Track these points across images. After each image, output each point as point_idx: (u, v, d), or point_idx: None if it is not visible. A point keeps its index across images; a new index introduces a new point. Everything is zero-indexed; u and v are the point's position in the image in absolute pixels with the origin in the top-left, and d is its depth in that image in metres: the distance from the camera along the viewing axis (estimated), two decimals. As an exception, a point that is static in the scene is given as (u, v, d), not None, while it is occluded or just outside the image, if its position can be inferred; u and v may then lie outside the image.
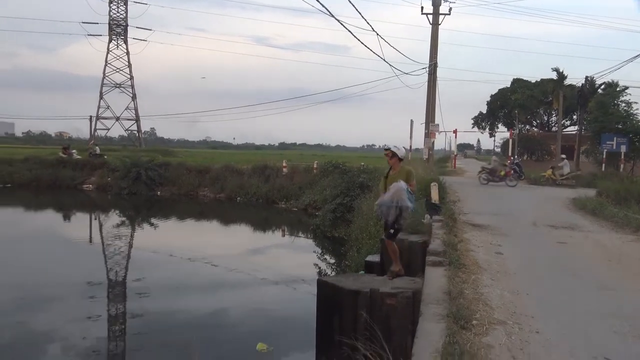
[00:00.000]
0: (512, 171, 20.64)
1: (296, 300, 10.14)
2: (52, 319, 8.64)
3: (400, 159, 6.67)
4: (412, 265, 7.44)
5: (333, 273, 11.64)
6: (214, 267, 12.76)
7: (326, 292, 6.31)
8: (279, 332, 8.26)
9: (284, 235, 19.21)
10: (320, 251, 15.20)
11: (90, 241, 16.77)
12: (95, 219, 22.29)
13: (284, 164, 28.00)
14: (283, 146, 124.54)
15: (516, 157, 32.41)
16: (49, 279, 11.12)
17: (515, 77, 53.02)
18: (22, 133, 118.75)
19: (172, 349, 7.41)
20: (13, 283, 10.63)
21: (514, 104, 47.77)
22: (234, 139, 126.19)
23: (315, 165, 26.88)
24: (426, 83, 25.09)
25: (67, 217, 22.30)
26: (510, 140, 35.86)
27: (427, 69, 24.62)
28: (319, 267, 12.63)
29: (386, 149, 6.69)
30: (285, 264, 13.86)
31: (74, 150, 34.26)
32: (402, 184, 6.29)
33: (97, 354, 7.30)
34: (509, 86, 52.68)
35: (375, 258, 7.96)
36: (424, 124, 25.87)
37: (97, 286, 10.81)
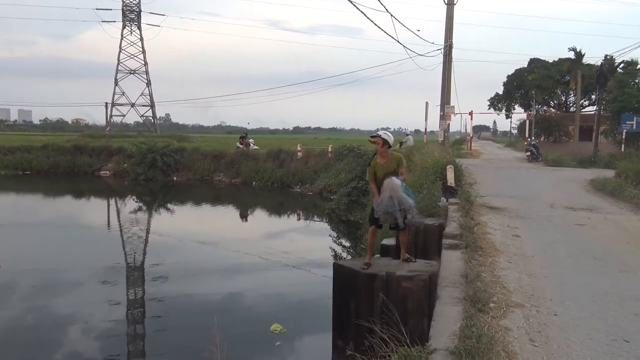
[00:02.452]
0: (530, 153, 20.44)
1: (312, 284, 10.20)
2: (73, 302, 8.80)
3: (390, 146, 6.31)
4: (428, 248, 7.43)
5: (349, 257, 11.67)
6: (230, 252, 12.89)
7: (342, 275, 6.32)
8: (295, 315, 8.33)
9: (299, 219, 19.28)
10: (335, 235, 15.23)
11: (109, 227, 17.00)
12: (113, 205, 22.58)
13: (299, 148, 28.00)
14: (297, 130, 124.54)
15: (533, 138, 32.02)
16: (69, 264, 11.32)
17: (532, 57, 52.18)
18: (40, 120, 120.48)
19: (191, 332, 7.50)
20: (35, 268, 10.84)
21: (531, 84, 46.96)
22: (248, 123, 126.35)
23: (329, 149, 26.85)
24: (441, 64, 24.78)
25: (85, 204, 22.61)
26: (527, 122, 35.41)
27: (442, 50, 24.28)
28: (335, 251, 12.66)
29: (373, 136, 6.31)
30: (301, 248, 13.92)
31: (251, 140, 31.14)
32: (396, 181, 6.01)
33: (117, 336, 7.42)
34: (525, 66, 51.83)
35: (390, 241, 7.95)
36: (439, 106, 25.62)
37: (116, 271, 10.97)
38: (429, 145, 21.42)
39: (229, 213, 20.47)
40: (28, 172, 29.76)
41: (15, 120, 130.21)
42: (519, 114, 55.52)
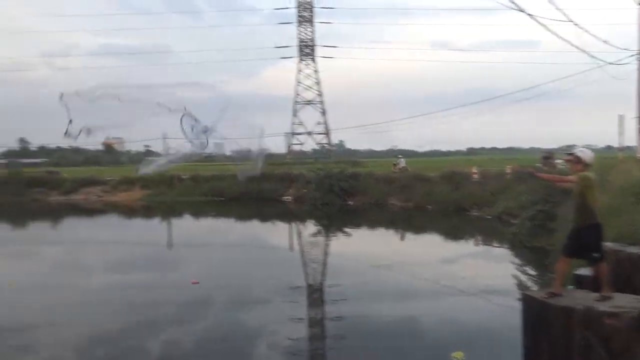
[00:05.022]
0: None
1: (492, 312, 9.55)
2: (260, 318, 9.44)
3: (585, 165, 5.65)
4: (634, 282, 6.46)
5: (536, 287, 10.72)
6: (405, 275, 12.76)
7: (533, 307, 5.77)
8: (474, 344, 7.84)
9: (476, 244, 18.37)
10: (518, 262, 14.17)
11: (290, 249, 18.07)
12: (294, 228, 24.02)
13: (474, 170, 26.91)
14: (471, 151, 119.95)
15: None
16: (256, 282, 12.23)
17: None
18: (230, 151, 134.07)
19: (370, 354, 7.52)
20: (227, 285, 12.00)
21: None
22: (419, 146, 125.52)
23: (508, 170, 25.31)
24: (637, 71, 21.93)
25: (270, 227, 24.45)
26: None
27: (638, 56, 21.51)
28: (518, 279, 11.75)
29: (569, 154, 5.75)
30: (479, 274, 13.19)
31: (558, 160, 30.58)
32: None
33: (298, 354, 7.73)
34: None
35: (586, 272, 7.09)
36: (636, 118, 22.65)
37: (297, 290, 11.55)
38: (627, 161, 18.94)
39: (402, 237, 20.36)
40: (222, 198, 33.22)
41: (211, 153, 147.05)
42: None
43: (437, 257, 15.33)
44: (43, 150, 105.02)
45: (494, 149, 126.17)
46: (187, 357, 7.64)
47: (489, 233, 20.03)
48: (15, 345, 8.04)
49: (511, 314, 7.76)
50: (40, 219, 29.17)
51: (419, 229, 21.98)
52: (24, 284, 12.17)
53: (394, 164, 34.53)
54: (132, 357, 7.65)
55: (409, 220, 24.49)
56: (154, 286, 12.11)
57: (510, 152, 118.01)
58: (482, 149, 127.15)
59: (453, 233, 20.28)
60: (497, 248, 17.06)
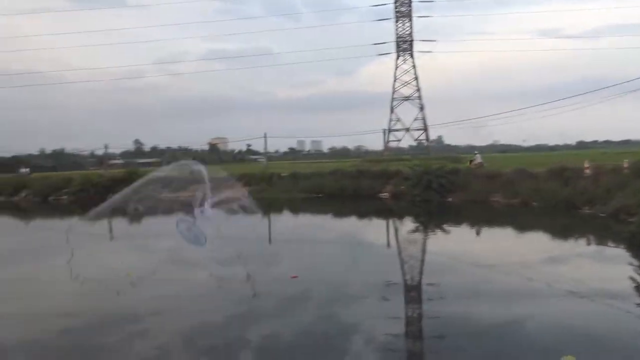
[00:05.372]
0: None
1: (605, 317, 8.82)
2: (356, 314, 9.44)
3: None
4: None
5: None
6: (508, 276, 12.15)
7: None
8: (587, 350, 7.30)
9: (589, 244, 17.08)
10: (637, 264, 12.99)
11: (388, 245, 17.95)
12: (392, 225, 23.84)
13: (586, 165, 25.05)
14: (581, 145, 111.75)
15: None
16: (353, 278, 12.29)
17: None
18: (328, 149, 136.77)
19: (471, 355, 7.26)
20: (325, 280, 12.20)
21: None
22: (523, 140, 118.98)
23: (625, 164, 23.28)
24: None
25: (367, 223, 24.46)
26: None
27: None
28: (638, 283, 10.76)
29: None
30: (591, 276, 12.27)
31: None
32: None
33: (396, 351, 7.66)
34: None
35: None
36: None
37: (394, 287, 11.46)
38: None
39: (506, 235, 19.43)
40: (321, 195, 33.80)
41: (309, 150, 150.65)
42: None
43: (545, 257, 14.45)
44: (155, 151, 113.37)
45: (607, 143, 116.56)
46: (285, 349, 7.84)
47: (603, 232, 18.54)
48: (128, 332, 8.75)
49: (627, 318, 7.15)
50: (154, 214, 31.46)
51: (524, 227, 20.85)
52: (139, 275, 13.16)
53: (470, 160, 35.22)
54: (234, 347, 7.99)
55: (514, 217, 23.33)
56: (254, 279, 12.58)
57: (627, 145, 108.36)
58: (594, 142, 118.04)
59: (562, 232, 19.02)
60: (613, 248, 15.76)
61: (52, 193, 40.39)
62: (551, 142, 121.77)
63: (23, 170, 59.74)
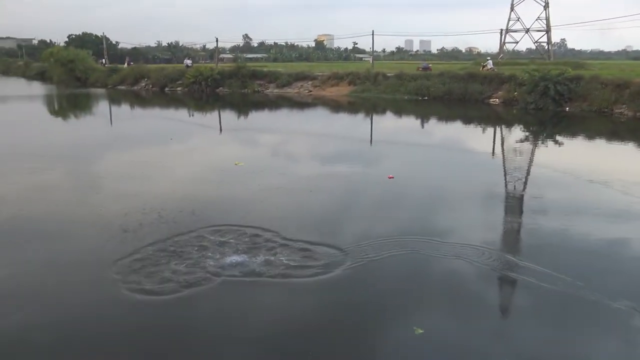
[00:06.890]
0: None
1: None
2: (450, 220, 9.41)
3: None
4: None
5: None
6: (624, 195, 11.20)
7: None
8: None
9: None
10: None
11: (493, 154, 17.24)
12: (499, 133, 22.74)
13: None
14: None
15: None
16: (451, 184, 12.11)
17: None
18: (437, 50, 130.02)
19: (569, 268, 7.01)
20: (421, 183, 12.32)
21: None
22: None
23: None
24: None
25: (473, 130, 23.52)
26: None
27: None
28: None
29: None
30: None
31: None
32: None
33: (490, 257, 7.54)
34: None
35: None
36: None
37: (494, 196, 11.12)
38: None
39: (627, 150, 17.79)
40: (426, 98, 32.74)
41: (417, 50, 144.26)
42: None
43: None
44: (263, 46, 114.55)
45: None
46: (375, 238, 7.98)
47: None
48: (235, 214, 9.38)
49: None
50: (260, 109, 32.53)
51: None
52: (248, 166, 13.90)
53: (483, 65, 36.97)
54: (333, 234, 8.29)
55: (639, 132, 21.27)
56: (353, 178, 12.81)
57: None
58: None
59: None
60: None
61: (168, 84, 42.95)
62: None
63: (127, 61, 63.11)
